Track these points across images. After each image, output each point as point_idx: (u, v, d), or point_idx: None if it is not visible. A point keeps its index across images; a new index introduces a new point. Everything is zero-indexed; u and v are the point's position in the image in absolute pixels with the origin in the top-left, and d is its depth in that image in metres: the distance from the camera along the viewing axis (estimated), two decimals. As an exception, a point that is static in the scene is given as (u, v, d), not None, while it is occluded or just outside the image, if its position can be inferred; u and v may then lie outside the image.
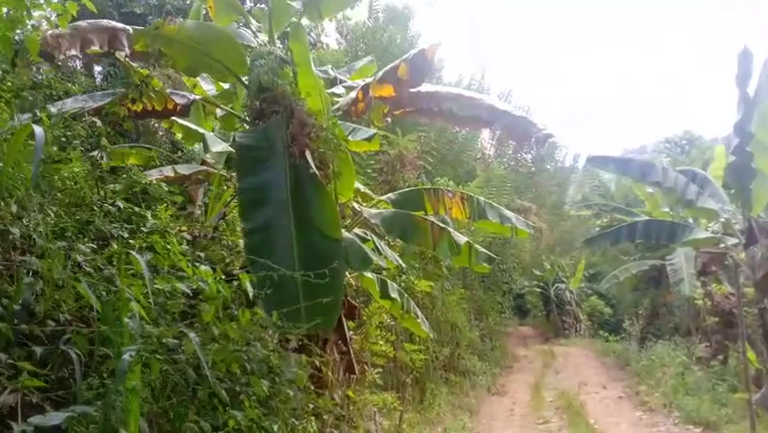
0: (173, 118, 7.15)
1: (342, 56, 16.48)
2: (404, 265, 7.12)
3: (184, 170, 7.24)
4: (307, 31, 20.52)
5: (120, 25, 5.02)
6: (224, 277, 3.43)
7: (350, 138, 7.57)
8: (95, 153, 8.23)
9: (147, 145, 8.81)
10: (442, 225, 5.94)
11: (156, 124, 9.99)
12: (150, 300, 2.73)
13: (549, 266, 26.93)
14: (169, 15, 4.93)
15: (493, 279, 18.51)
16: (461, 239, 5.90)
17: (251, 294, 3.46)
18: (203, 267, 3.31)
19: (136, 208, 4.22)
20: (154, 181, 7.45)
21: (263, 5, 6.35)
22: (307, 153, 4.96)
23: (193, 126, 7.18)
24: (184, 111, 6.32)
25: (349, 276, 6.37)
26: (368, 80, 5.79)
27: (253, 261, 4.57)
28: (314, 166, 4.95)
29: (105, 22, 5.01)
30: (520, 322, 29.76)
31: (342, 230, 5.28)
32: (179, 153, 9.86)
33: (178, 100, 6.06)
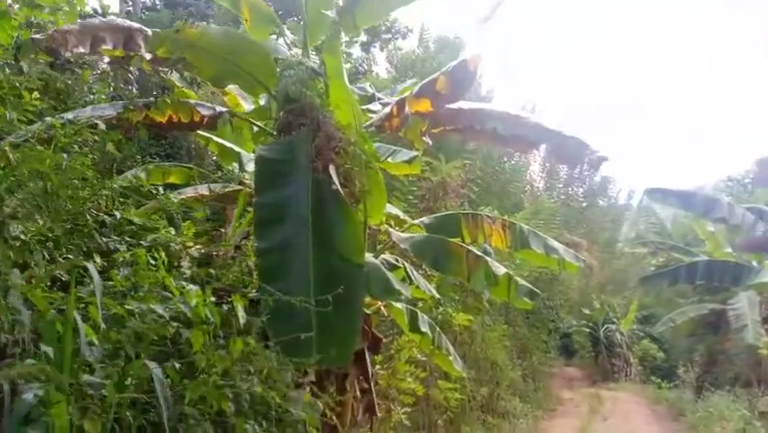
0: (209, 135, 6.90)
1: (390, 83, 16.24)
2: (438, 296, 6.58)
3: (219, 189, 6.94)
4: (359, 62, 20.55)
5: (136, 25, 4.72)
6: (217, 299, 3.00)
7: (389, 160, 7.14)
8: (132, 172, 8.03)
9: (187, 164, 8.65)
10: (478, 253, 5.39)
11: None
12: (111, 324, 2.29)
13: (599, 305, 25.90)
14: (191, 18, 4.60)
15: (538, 316, 17.69)
16: (500, 270, 5.32)
17: (241, 320, 2.99)
18: (191, 286, 2.88)
19: (135, 219, 3.86)
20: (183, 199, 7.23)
21: (298, 18, 6.03)
22: (332, 168, 4.53)
23: (228, 144, 6.90)
24: (210, 124, 6.00)
25: (380, 305, 5.89)
26: (405, 95, 5.35)
27: (265, 283, 4.14)
28: (338, 183, 4.51)
29: (119, 20, 4.74)
30: (566, 363, 28.51)
31: (368, 255, 4.81)
32: (220, 173, 9.67)
33: (204, 112, 5.74)
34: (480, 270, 5.21)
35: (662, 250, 16.73)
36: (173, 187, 8.42)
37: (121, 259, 3.00)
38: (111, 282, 2.82)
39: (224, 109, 5.71)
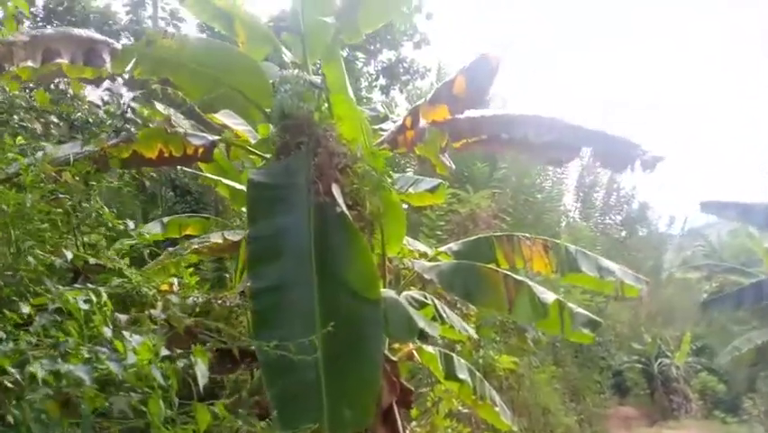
0: (217, 178, 6.29)
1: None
2: (476, 336, 5.71)
3: (234, 236, 6.27)
4: (380, 105, 20.12)
5: (99, 36, 4.11)
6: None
7: (411, 190, 6.43)
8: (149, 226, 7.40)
9: (205, 215, 8.07)
10: (519, 278, 4.50)
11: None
12: None
13: (650, 339, 24.48)
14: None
15: (588, 354, 16.53)
16: (548, 297, 4.41)
17: (201, 380, 2.20)
18: (137, 338, 2.11)
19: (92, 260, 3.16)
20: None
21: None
22: (335, 189, 3.78)
23: (239, 186, 6.25)
24: (206, 156, 5.35)
25: (410, 348, 5.05)
26: (418, 103, 4.63)
27: (260, 330, 3.37)
28: (344, 205, 3.75)
29: (78, 30, 4.12)
30: (620, 402, 26.78)
31: (389, 291, 4.01)
32: (239, 221, 9.10)
33: (197, 142, 5.08)
34: (523, 297, 4.31)
35: (716, 273, 15.52)
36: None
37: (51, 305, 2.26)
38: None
39: (215, 137, 5.03)
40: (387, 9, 5.14)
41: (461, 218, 10.14)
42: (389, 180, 4.41)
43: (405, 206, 5.03)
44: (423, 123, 4.65)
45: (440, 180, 6.38)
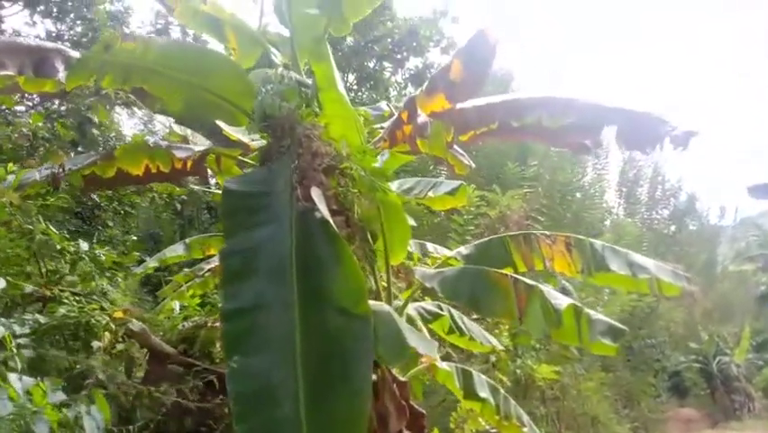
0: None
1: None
2: (499, 345, 5.16)
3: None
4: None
5: (50, 44, 3.78)
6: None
7: (430, 194, 5.98)
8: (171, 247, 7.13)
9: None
10: (530, 282, 3.92)
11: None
12: None
13: (707, 337, 23.34)
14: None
15: (641, 356, 15.69)
16: (561, 302, 3.80)
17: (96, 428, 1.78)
18: (27, 380, 1.71)
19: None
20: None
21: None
22: (317, 193, 3.34)
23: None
24: (196, 169, 4.99)
25: (424, 364, 4.55)
26: (413, 94, 4.16)
27: (232, 357, 2.94)
28: (326, 211, 3.31)
29: (24, 39, 3.80)
30: (679, 403, 25.61)
31: (381, 304, 3.54)
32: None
33: (182, 155, 4.73)
34: (533, 305, 3.72)
35: (775, 262, 14.56)
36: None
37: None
38: None
39: (200, 147, 4.66)
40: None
41: (489, 221, 9.60)
42: (386, 181, 3.95)
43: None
44: (422, 115, 4.18)
45: (460, 182, 5.93)
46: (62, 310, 2.87)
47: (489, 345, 4.82)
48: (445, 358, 6.41)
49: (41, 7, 11.75)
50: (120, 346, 3.16)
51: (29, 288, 2.88)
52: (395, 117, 4.24)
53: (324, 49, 4.49)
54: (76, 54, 3.70)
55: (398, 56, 20.47)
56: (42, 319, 2.59)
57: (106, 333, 2.99)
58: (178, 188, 8.60)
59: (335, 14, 4.55)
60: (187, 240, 7.91)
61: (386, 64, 21.09)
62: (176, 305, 5.47)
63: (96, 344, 2.83)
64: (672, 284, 4.43)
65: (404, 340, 3.15)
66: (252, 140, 4.43)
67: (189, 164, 4.93)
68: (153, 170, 4.90)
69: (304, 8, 4.60)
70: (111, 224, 9.67)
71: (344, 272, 3.16)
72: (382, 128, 5.08)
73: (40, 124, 4.84)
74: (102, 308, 3.13)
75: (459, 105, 4.25)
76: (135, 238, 9.72)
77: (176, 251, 7.67)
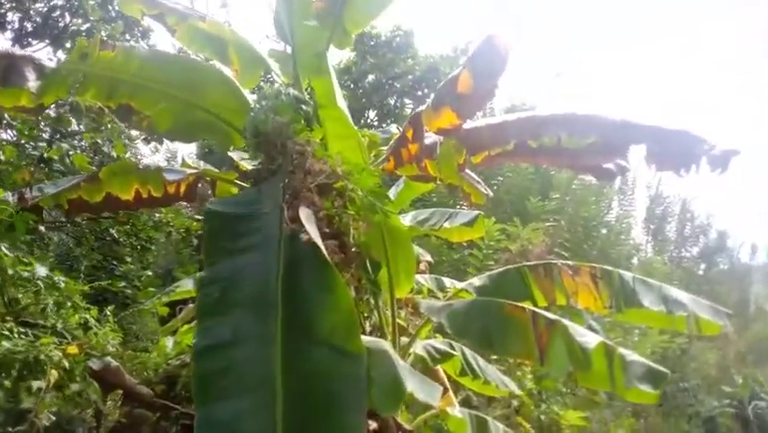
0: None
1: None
2: (517, 389, 4.66)
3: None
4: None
5: (19, 52, 3.49)
6: None
7: (446, 225, 5.62)
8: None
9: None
10: (552, 317, 3.42)
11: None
12: None
13: (741, 380, 22.30)
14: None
15: (673, 401, 14.90)
16: (590, 340, 3.27)
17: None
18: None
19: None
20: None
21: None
22: (304, 213, 2.96)
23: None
24: (190, 194, 4.67)
25: (434, 409, 4.09)
26: (419, 109, 3.79)
27: (203, 402, 2.53)
28: (318, 236, 2.92)
29: None
30: (714, 451, 24.43)
31: (377, 341, 3.11)
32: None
33: (173, 178, 4.39)
34: (556, 342, 3.20)
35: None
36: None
37: None
38: None
39: (193, 170, 4.33)
40: (371, 6, 4.39)
41: (510, 255, 9.13)
42: (388, 203, 3.56)
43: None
44: (428, 133, 3.81)
45: (478, 212, 5.56)
46: (6, 345, 2.51)
47: (505, 389, 4.34)
48: (464, 403, 5.93)
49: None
50: (75, 387, 2.77)
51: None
52: (399, 135, 3.88)
53: (325, 64, 4.19)
54: (50, 64, 3.42)
55: (419, 92, 20.42)
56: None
57: (53, 371, 2.61)
58: (195, 223, 8.35)
59: (338, 29, 4.25)
60: (198, 274, 7.65)
61: (407, 101, 21.04)
62: (169, 342, 5.10)
63: (36, 384, 2.44)
64: (712, 322, 3.93)
65: (400, 384, 2.71)
66: (242, 159, 4.08)
67: (183, 189, 4.62)
68: (144, 195, 4.58)
69: (305, 22, 4.30)
70: (129, 259, 9.45)
71: (334, 304, 2.75)
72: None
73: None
74: (59, 344, 2.76)
75: (471, 124, 3.89)
76: (150, 273, 9.44)
77: (185, 286, 7.39)
